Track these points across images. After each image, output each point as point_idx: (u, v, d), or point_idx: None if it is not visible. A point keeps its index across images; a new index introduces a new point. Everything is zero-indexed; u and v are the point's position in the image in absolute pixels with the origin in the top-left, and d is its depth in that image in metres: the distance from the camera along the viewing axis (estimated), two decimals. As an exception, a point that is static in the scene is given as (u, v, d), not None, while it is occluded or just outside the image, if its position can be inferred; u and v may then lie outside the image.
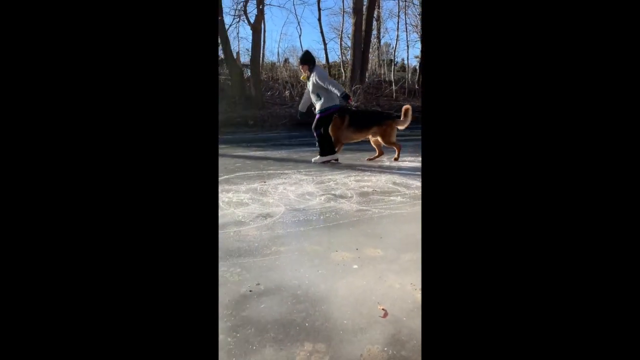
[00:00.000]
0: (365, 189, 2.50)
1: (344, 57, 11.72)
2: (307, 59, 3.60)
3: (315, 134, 3.61)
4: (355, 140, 3.78)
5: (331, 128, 3.60)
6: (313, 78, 3.55)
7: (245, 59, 10.15)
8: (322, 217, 1.90)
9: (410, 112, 3.68)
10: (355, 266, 1.32)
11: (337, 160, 3.64)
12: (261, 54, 9.73)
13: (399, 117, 3.72)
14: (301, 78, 3.82)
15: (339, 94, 3.50)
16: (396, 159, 3.65)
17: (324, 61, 10.90)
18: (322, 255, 1.42)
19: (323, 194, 2.39)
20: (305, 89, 3.84)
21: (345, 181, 2.77)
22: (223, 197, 2.34)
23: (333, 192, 2.43)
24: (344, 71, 10.73)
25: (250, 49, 9.09)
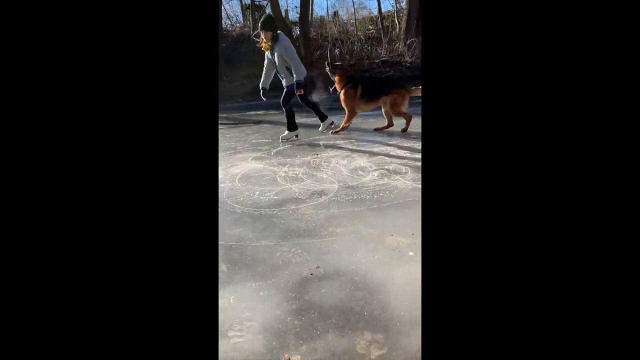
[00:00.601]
0: (421, 163, 2.43)
1: (398, 6, 10.75)
2: (270, 25, 3.12)
3: (284, 109, 3.29)
4: (367, 111, 3.57)
5: (344, 100, 3.40)
6: (279, 51, 3.09)
7: (293, 16, 9.81)
8: (375, 197, 1.92)
9: None
10: (411, 253, 1.34)
11: (332, 125, 3.42)
12: (310, 9, 9.31)
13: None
14: (262, 48, 3.23)
15: (295, 79, 3.09)
16: (404, 130, 3.34)
17: (375, 12, 10.12)
18: (377, 239, 1.46)
19: (376, 169, 2.37)
20: (266, 61, 3.31)
21: (399, 153, 2.71)
22: (279, 172, 2.45)
23: (386, 167, 2.40)
24: (399, 22, 9.90)
25: (298, 5, 8.73)
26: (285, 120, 3.37)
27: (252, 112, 5.63)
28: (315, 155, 2.81)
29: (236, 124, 4.52)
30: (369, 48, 8.52)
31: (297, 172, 2.41)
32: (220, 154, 3.00)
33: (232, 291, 1.18)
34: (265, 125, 4.39)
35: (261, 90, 3.37)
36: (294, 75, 3.11)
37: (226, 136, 3.77)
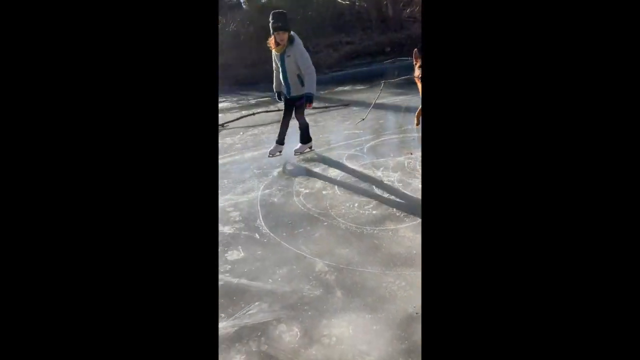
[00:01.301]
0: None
1: None
2: (287, 24, 2.66)
3: (300, 123, 2.96)
4: None
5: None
6: (294, 56, 2.68)
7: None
8: (476, 219, 1.93)
9: None
10: (514, 300, 1.40)
11: (310, 150, 3.06)
12: (398, -45, 8.35)
13: None
14: (274, 50, 2.77)
15: (306, 91, 2.70)
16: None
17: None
18: (479, 277, 1.54)
19: (476, 179, 2.32)
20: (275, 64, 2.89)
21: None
22: (374, 177, 2.57)
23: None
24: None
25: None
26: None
27: (339, 89, 5.67)
28: (409, 155, 2.83)
29: (327, 107, 4.65)
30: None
31: (392, 179, 2.50)
32: (317, 150, 3.20)
33: (350, 321, 1.43)
34: (354, 108, 4.44)
35: (276, 95, 3.09)
36: (305, 86, 2.73)
37: (319, 125, 3.95)
